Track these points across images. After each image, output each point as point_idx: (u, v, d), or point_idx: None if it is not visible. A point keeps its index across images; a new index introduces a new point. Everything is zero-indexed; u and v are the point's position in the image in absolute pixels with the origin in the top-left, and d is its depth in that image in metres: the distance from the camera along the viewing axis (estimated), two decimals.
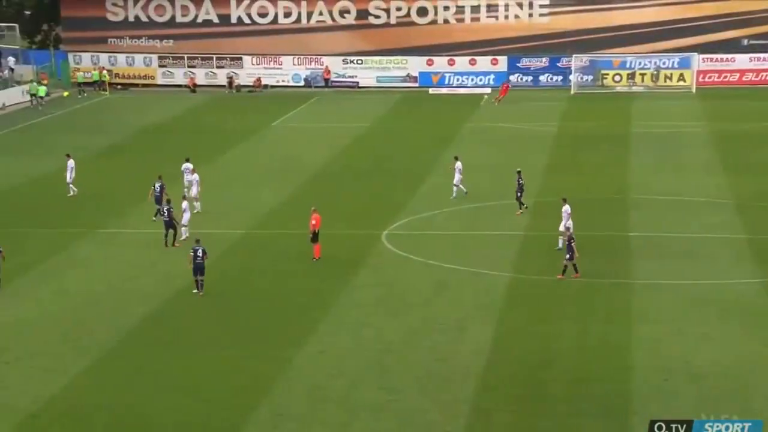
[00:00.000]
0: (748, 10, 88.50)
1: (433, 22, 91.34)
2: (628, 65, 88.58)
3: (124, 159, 64.91)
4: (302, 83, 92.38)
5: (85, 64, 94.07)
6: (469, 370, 32.09)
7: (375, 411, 29.52)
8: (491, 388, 30.91)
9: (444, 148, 63.86)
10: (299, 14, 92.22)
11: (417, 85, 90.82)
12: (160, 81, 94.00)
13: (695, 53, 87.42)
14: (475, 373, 31.82)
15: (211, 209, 50.37)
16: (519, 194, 49.48)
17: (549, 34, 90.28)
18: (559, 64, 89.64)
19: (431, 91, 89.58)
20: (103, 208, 52.25)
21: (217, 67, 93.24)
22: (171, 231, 45.04)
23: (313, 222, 43.06)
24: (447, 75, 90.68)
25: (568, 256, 40.03)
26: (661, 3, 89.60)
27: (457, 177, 52.16)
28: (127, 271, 42.50)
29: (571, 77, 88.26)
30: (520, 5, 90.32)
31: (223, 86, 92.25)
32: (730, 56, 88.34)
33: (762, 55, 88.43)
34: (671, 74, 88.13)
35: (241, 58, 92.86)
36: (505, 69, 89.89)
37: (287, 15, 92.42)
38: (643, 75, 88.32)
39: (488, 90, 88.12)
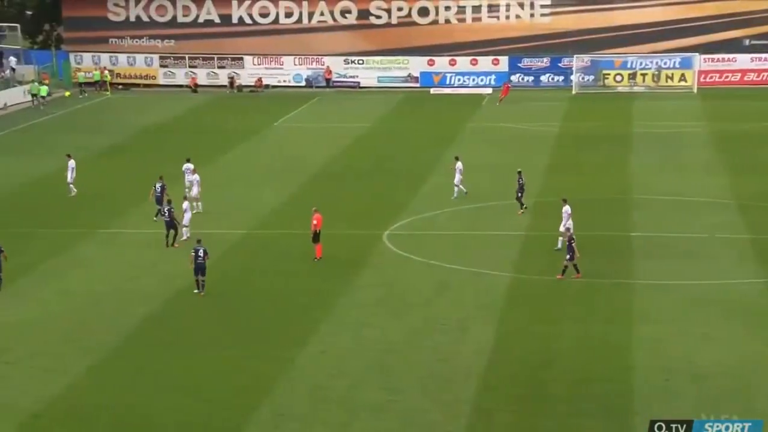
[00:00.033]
0: (749, 10, 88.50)
1: (435, 22, 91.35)
2: (629, 65, 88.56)
3: (126, 159, 64.92)
4: (303, 83, 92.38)
5: (87, 64, 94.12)
6: (470, 370, 32.09)
7: (376, 411, 29.52)
8: (492, 388, 30.91)
9: (445, 148, 63.85)
10: (300, 14, 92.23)
11: (418, 85, 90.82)
12: (161, 81, 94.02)
13: (696, 53, 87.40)
14: (476, 373, 31.82)
15: (212, 209, 50.38)
16: (520, 194, 49.48)
17: (550, 34, 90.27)
18: (560, 64, 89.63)
19: (432, 91, 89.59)
20: (105, 208, 52.25)
21: (219, 67, 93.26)
22: (172, 231, 45.07)
23: (315, 222, 43.06)
24: (448, 75, 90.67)
25: (568, 256, 40.02)
26: (663, 3, 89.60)
27: (458, 177, 52.16)
28: (128, 271, 42.51)
29: (573, 77, 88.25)
30: (522, 5, 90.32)
31: (225, 86, 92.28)
32: (731, 56, 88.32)
33: (763, 55, 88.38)
34: (672, 74, 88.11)
35: (242, 58, 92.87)
36: (507, 69, 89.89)
37: (288, 15, 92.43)
38: (644, 75, 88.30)
39: (489, 90, 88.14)
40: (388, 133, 72.70)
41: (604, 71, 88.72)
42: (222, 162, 63.12)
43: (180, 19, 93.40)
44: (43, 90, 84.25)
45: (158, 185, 49.22)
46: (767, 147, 64.31)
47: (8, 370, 32.90)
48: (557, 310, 37.26)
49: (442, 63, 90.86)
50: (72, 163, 54.50)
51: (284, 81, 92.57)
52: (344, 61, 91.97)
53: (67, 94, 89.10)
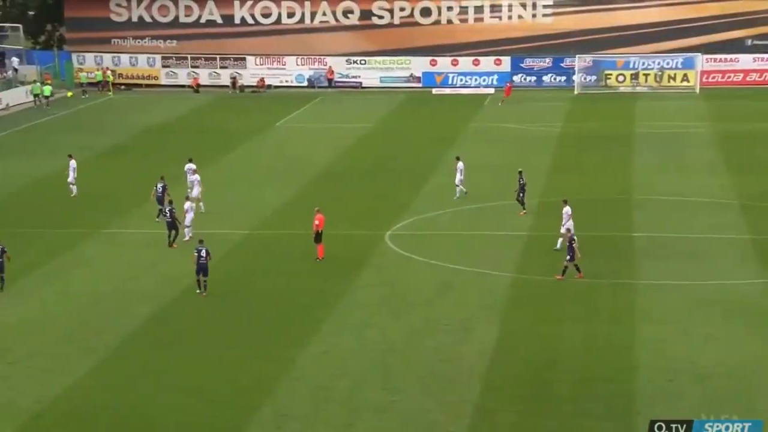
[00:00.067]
0: (752, 10, 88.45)
1: (437, 22, 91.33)
2: (631, 65, 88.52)
3: (128, 159, 64.92)
4: (306, 83, 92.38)
5: (89, 64, 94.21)
6: (473, 370, 32.06)
7: (378, 411, 29.50)
8: (495, 389, 30.88)
9: (447, 149, 63.82)
10: (303, 14, 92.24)
11: (420, 85, 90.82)
12: (163, 81, 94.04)
13: (699, 53, 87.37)
14: (479, 374, 31.79)
15: (214, 209, 50.37)
16: (521, 194, 49.45)
17: (552, 34, 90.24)
18: (562, 65, 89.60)
19: (435, 91, 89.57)
20: (107, 208, 52.26)
21: (221, 68, 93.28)
22: (173, 231, 45.06)
23: (317, 222, 43.04)
24: (450, 75, 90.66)
25: (568, 257, 39.99)
26: (665, 3, 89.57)
27: (458, 177, 52.12)
28: (130, 271, 42.50)
29: (575, 77, 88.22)
30: (524, 5, 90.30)
31: (227, 86, 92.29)
32: (733, 56, 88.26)
33: (766, 56, 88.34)
34: (675, 74, 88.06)
35: (244, 59, 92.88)
36: (509, 69, 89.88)
37: (291, 15, 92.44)
38: (646, 75, 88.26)
39: (492, 90, 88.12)
40: (390, 133, 72.68)
41: (607, 71, 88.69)
42: (224, 162, 63.11)
43: (182, 19, 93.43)
44: (47, 90, 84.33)
45: (159, 185, 49.22)
46: None
47: (9, 370, 32.89)
48: (560, 311, 37.23)
49: (444, 63, 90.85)
50: (73, 163, 54.49)
51: (286, 81, 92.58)
52: (346, 61, 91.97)
53: (70, 94, 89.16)
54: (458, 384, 31.08)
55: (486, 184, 54.71)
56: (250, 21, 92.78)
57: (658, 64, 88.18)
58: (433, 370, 32.09)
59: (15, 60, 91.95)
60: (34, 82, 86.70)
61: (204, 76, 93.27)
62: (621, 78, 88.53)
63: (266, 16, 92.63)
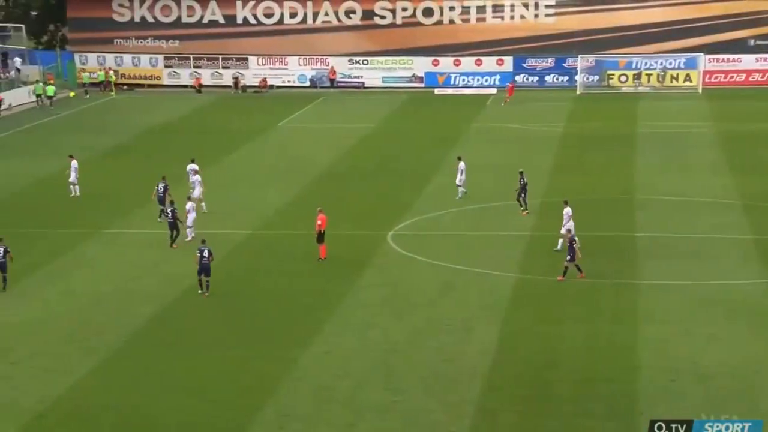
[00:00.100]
0: (754, 10, 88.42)
1: (439, 22, 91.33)
2: (634, 66, 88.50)
3: (130, 159, 64.95)
4: (308, 84, 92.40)
5: (92, 64, 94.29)
6: (474, 370, 32.05)
7: (380, 411, 29.49)
8: (497, 389, 30.87)
9: (450, 149, 63.79)
10: (305, 15, 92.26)
11: (423, 85, 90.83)
12: (166, 81, 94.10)
13: (701, 53, 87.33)
14: (480, 374, 31.78)
15: (216, 209, 50.38)
16: (523, 195, 49.43)
17: (555, 34, 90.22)
18: (564, 65, 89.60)
19: (437, 91, 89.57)
20: (109, 208, 52.28)
21: (223, 68, 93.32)
22: (174, 232, 45.07)
23: (319, 222, 43.04)
24: (453, 75, 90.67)
25: (569, 257, 39.97)
26: (668, 3, 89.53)
27: (459, 177, 52.10)
28: (132, 271, 42.52)
29: (577, 78, 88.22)
30: (526, 5, 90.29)
31: (229, 86, 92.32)
32: (736, 56, 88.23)
33: None
34: (677, 74, 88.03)
35: (246, 59, 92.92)
36: (511, 69, 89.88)
37: (293, 15, 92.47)
38: (649, 75, 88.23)
39: (494, 90, 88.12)
40: (393, 133, 72.68)
41: (609, 71, 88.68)
42: (226, 162, 63.13)
43: (184, 19, 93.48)
44: (50, 90, 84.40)
45: (161, 185, 49.22)
46: None
47: (12, 370, 32.91)
48: (562, 311, 37.21)
49: (446, 63, 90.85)
50: (75, 163, 54.51)
51: (289, 81, 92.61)
52: (349, 61, 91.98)
53: (72, 94, 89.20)
54: (460, 384, 31.07)
55: (488, 184, 54.69)
56: (253, 21, 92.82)
57: (661, 64, 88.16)
58: (435, 370, 32.08)
59: (18, 60, 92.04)
60: (37, 82, 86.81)
61: (206, 76, 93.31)
62: (623, 78, 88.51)
63: (268, 16, 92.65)
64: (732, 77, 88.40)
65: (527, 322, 36.18)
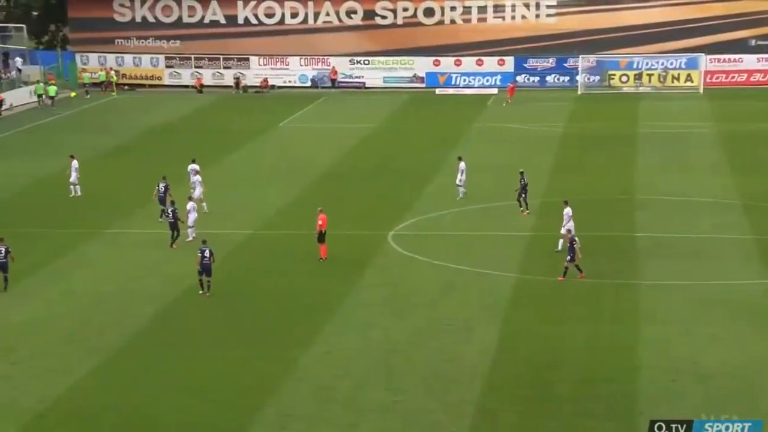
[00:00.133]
0: (756, 10, 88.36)
1: (440, 22, 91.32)
2: (635, 66, 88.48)
3: (131, 159, 64.97)
4: (309, 84, 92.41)
5: (93, 64, 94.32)
6: (475, 370, 32.07)
7: (381, 411, 29.51)
8: (497, 389, 30.88)
9: (450, 149, 63.77)
10: (306, 15, 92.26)
11: (424, 85, 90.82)
12: (167, 81, 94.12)
13: (703, 54, 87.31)
14: (481, 374, 31.79)
15: (217, 210, 50.39)
16: (524, 195, 49.44)
17: (556, 34, 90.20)
18: (566, 65, 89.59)
19: (438, 91, 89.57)
20: (110, 208, 52.30)
21: (224, 68, 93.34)
22: (175, 232, 45.07)
23: (320, 222, 43.05)
24: (454, 75, 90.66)
25: (569, 257, 39.98)
26: (669, 3, 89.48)
27: (459, 177, 52.10)
28: (133, 271, 42.53)
29: (578, 78, 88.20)
30: (527, 6, 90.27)
31: (230, 87, 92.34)
32: (737, 57, 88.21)
33: None
34: (678, 75, 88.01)
35: (248, 59, 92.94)
36: (512, 69, 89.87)
37: (294, 15, 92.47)
38: (650, 75, 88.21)
39: (495, 90, 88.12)
40: (394, 133, 72.69)
41: (610, 72, 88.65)
42: (227, 162, 63.15)
43: (185, 19, 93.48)
44: (52, 90, 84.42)
45: (161, 185, 49.23)
46: None
47: (13, 370, 32.93)
48: (562, 311, 37.22)
49: (447, 63, 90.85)
50: (75, 163, 54.53)
51: (290, 81, 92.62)
52: (350, 61, 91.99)
53: (73, 94, 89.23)
54: (461, 384, 31.08)
55: (489, 184, 54.70)
56: (254, 21, 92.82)
57: (662, 64, 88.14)
58: (435, 371, 32.10)
59: (18, 60, 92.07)
60: (38, 82, 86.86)
61: (207, 76, 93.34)
62: (624, 78, 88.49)
63: (270, 16, 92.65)
64: (733, 77, 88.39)
65: (528, 322, 36.18)
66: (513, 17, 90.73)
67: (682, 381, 31.11)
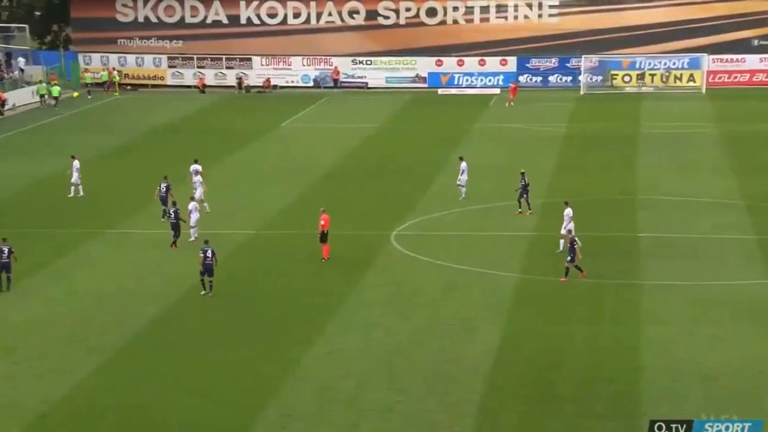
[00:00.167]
0: (758, 10, 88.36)
1: (443, 22, 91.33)
2: (637, 66, 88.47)
3: (134, 159, 65.00)
4: (311, 84, 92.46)
5: (95, 64, 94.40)
6: (477, 370, 32.06)
7: (383, 411, 29.50)
8: (499, 389, 30.88)
9: (453, 149, 63.74)
10: (308, 15, 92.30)
11: (426, 85, 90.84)
12: (169, 81, 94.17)
13: (705, 54, 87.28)
14: (483, 374, 31.79)
15: (219, 209, 50.41)
16: (525, 195, 49.42)
17: (558, 34, 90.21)
18: (568, 65, 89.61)
19: (440, 91, 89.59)
20: (112, 208, 52.33)
21: (227, 68, 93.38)
22: (177, 232, 45.04)
23: (322, 222, 43.05)
24: (456, 75, 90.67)
25: (569, 258, 39.97)
26: (671, 3, 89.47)
27: (461, 177, 52.08)
28: (135, 271, 42.55)
29: (581, 78, 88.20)
30: (530, 6, 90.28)
31: (233, 87, 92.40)
32: (740, 57, 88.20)
33: None
34: (681, 75, 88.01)
35: (250, 59, 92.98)
36: (515, 69, 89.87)
37: (296, 16, 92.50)
38: (652, 75, 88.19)
39: (497, 90, 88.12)
40: (396, 133, 72.70)
41: (613, 72, 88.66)
42: (230, 162, 63.17)
43: (188, 19, 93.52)
44: (55, 90, 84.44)
45: (163, 185, 49.25)
46: None
47: (15, 369, 32.95)
48: (564, 311, 37.21)
49: (450, 63, 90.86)
50: (76, 163, 54.56)
51: (292, 81, 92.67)
52: (352, 61, 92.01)
53: (75, 94, 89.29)
54: (462, 384, 31.08)
55: (491, 184, 54.70)
56: (256, 21, 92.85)
57: (664, 64, 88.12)
58: (437, 371, 32.09)
59: (21, 60, 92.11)
60: (40, 82, 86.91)
61: (210, 76, 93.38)
62: (627, 78, 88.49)
63: (272, 16, 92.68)
64: (736, 77, 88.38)
65: (530, 323, 36.17)
66: (516, 17, 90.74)
67: (684, 381, 31.10)
